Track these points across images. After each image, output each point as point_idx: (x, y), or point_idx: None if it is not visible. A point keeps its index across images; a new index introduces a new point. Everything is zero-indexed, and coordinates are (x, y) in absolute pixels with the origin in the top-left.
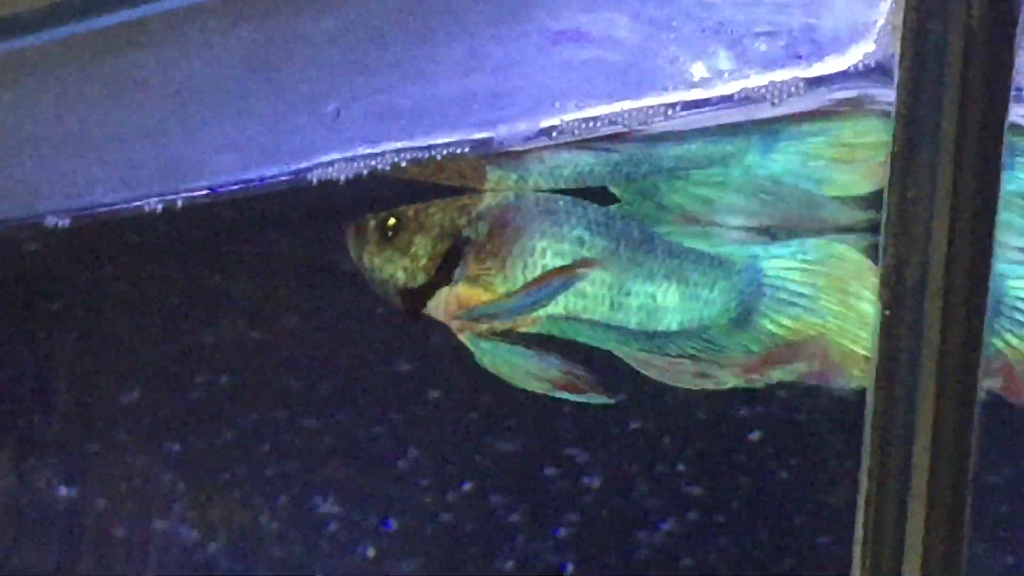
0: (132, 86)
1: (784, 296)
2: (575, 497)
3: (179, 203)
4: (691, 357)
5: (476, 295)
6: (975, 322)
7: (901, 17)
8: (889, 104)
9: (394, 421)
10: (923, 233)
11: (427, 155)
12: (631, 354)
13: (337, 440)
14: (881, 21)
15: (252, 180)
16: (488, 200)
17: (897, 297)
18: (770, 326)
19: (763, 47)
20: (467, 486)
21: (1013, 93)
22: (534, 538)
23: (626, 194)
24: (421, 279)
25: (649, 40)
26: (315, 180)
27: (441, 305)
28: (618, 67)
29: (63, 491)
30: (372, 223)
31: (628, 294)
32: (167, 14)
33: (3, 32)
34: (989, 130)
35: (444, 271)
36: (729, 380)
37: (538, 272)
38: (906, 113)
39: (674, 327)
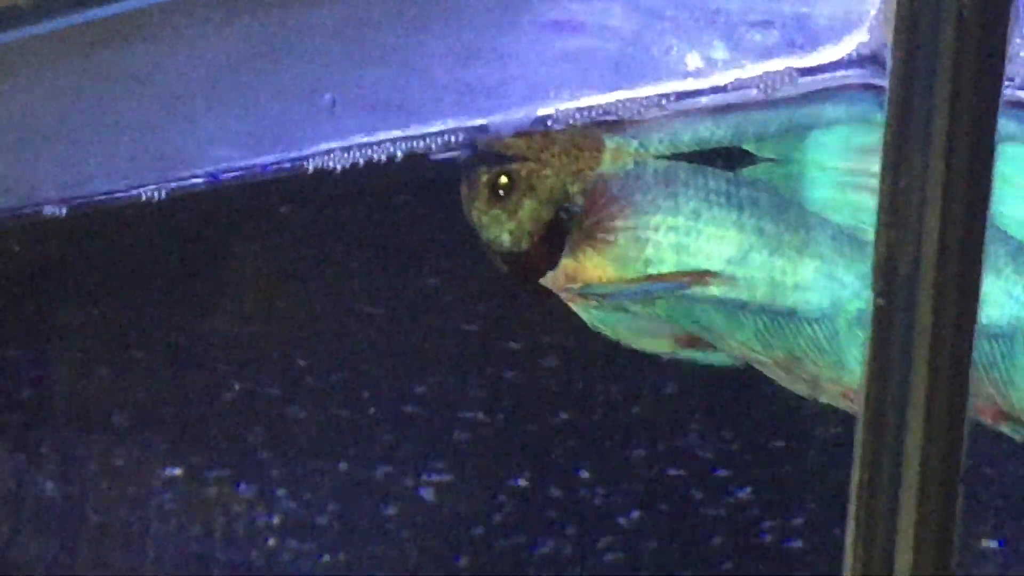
0: (129, 77)
1: None
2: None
3: (177, 192)
4: (804, 352)
5: (585, 269)
6: (968, 310)
7: (894, 6)
8: (882, 93)
9: (396, 408)
10: (916, 221)
11: (423, 145)
12: (745, 343)
13: (335, 432)
14: (874, 11)
15: (249, 168)
16: (604, 168)
17: (890, 285)
18: None
19: (757, 36)
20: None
21: (1005, 82)
22: None
23: (767, 152)
24: (525, 245)
25: (644, 29)
26: (312, 169)
27: (550, 279)
28: (613, 56)
29: (60, 481)
30: (484, 178)
31: (752, 266)
32: (163, 5)
33: (0, 24)
34: (982, 119)
35: (550, 240)
36: (835, 401)
37: (649, 249)
38: (899, 102)
39: (800, 306)
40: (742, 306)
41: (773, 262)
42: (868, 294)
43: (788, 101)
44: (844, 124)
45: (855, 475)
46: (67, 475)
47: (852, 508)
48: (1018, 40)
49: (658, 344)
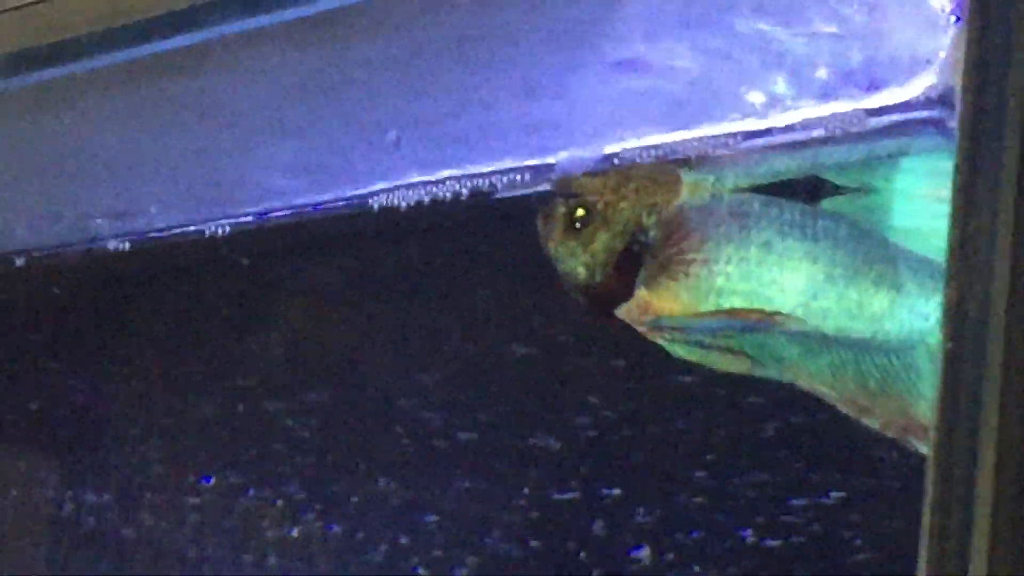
0: (191, 110)
1: None
2: None
3: (238, 226)
4: (878, 384)
5: (660, 302)
6: None
7: (962, 50)
8: (951, 136)
9: (459, 443)
10: (986, 266)
11: (487, 183)
12: (816, 375)
13: (397, 461)
14: (943, 54)
15: (311, 205)
16: (680, 202)
17: (960, 330)
18: None
19: (824, 77)
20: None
21: None
22: None
23: (849, 181)
24: (599, 277)
25: (710, 70)
26: (376, 206)
27: (625, 311)
28: (678, 96)
29: (106, 506)
30: (561, 211)
31: (825, 297)
32: (226, 38)
33: (62, 55)
34: None
35: (625, 271)
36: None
37: (719, 279)
38: (968, 145)
39: (878, 337)
40: (815, 337)
41: (848, 293)
42: None
43: (867, 135)
44: (929, 152)
45: (925, 518)
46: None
47: (922, 554)
48: None
49: (739, 365)
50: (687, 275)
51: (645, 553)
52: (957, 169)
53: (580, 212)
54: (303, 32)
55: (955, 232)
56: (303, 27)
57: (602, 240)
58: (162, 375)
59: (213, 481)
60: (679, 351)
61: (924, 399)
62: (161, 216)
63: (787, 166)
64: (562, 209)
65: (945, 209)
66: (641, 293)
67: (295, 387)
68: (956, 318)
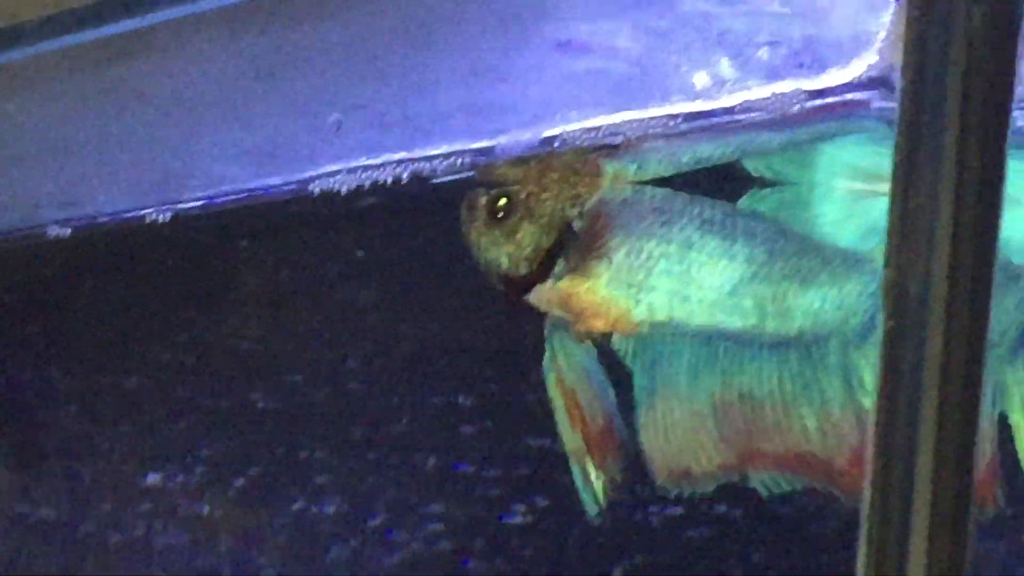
0: (134, 96)
1: None
2: None
3: (181, 212)
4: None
5: (579, 293)
6: (978, 332)
7: (903, 28)
8: (892, 115)
9: (396, 427)
10: (926, 243)
11: (428, 166)
12: (736, 379)
13: (339, 445)
14: (883, 32)
15: (253, 190)
16: (602, 194)
17: (900, 308)
18: None
19: (765, 57)
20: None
21: (1015, 102)
22: None
23: (769, 171)
24: (523, 269)
25: (651, 50)
26: (316, 191)
27: (543, 296)
28: (620, 77)
29: (62, 499)
30: (483, 199)
31: (742, 296)
32: (168, 24)
33: (4, 42)
34: (991, 140)
35: (548, 264)
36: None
37: (644, 279)
38: (908, 124)
39: (792, 333)
40: (732, 334)
41: (763, 291)
42: (864, 313)
43: (790, 121)
44: (851, 143)
45: (866, 496)
46: (67, 491)
47: (863, 530)
48: None
49: (563, 408)
50: (608, 269)
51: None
52: (897, 147)
53: (503, 202)
54: (246, 16)
55: (895, 210)
56: (246, 11)
57: (528, 233)
58: (104, 363)
59: (157, 473)
60: (557, 359)
61: (835, 398)
62: (105, 202)
63: (708, 154)
64: (484, 198)
65: (859, 201)
66: (562, 283)
67: (237, 373)
68: (896, 296)
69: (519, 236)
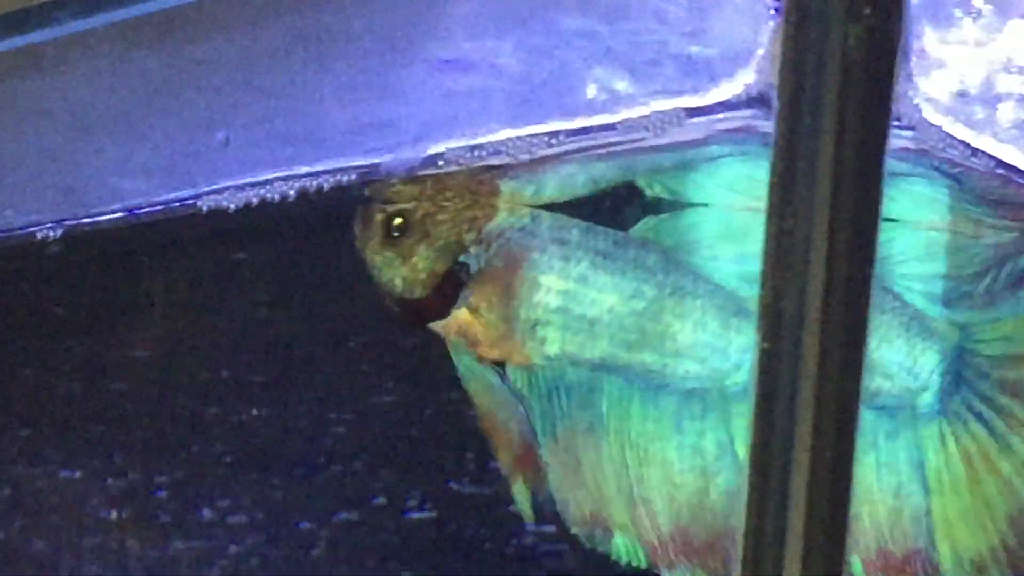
0: (23, 112)
1: None
2: None
3: (73, 230)
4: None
5: (477, 324)
6: (855, 351)
7: (779, 47)
8: (768, 137)
9: (293, 442)
10: (801, 264)
11: (315, 183)
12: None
13: (238, 457)
14: (761, 51)
15: (144, 207)
16: (500, 219)
17: (775, 328)
18: None
19: (646, 76)
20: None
21: (893, 122)
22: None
23: (660, 190)
24: (419, 293)
25: (533, 68)
26: (205, 208)
27: (441, 327)
28: (503, 95)
29: None
30: (379, 217)
31: (633, 330)
32: (59, 40)
33: None
34: (868, 160)
35: (445, 292)
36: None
37: (539, 313)
38: (784, 143)
39: (678, 376)
40: (624, 370)
41: (652, 328)
42: (746, 369)
43: (687, 135)
44: (735, 161)
45: (743, 517)
46: None
47: (738, 550)
48: (906, 80)
49: (487, 420)
50: (508, 304)
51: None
52: (772, 167)
53: (398, 221)
54: (138, 33)
55: (770, 231)
56: (138, 28)
57: (423, 257)
58: None
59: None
60: (468, 379)
61: (712, 448)
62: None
63: (603, 175)
64: (380, 216)
65: (747, 218)
66: (461, 314)
67: (128, 390)
68: (771, 318)
69: (414, 259)
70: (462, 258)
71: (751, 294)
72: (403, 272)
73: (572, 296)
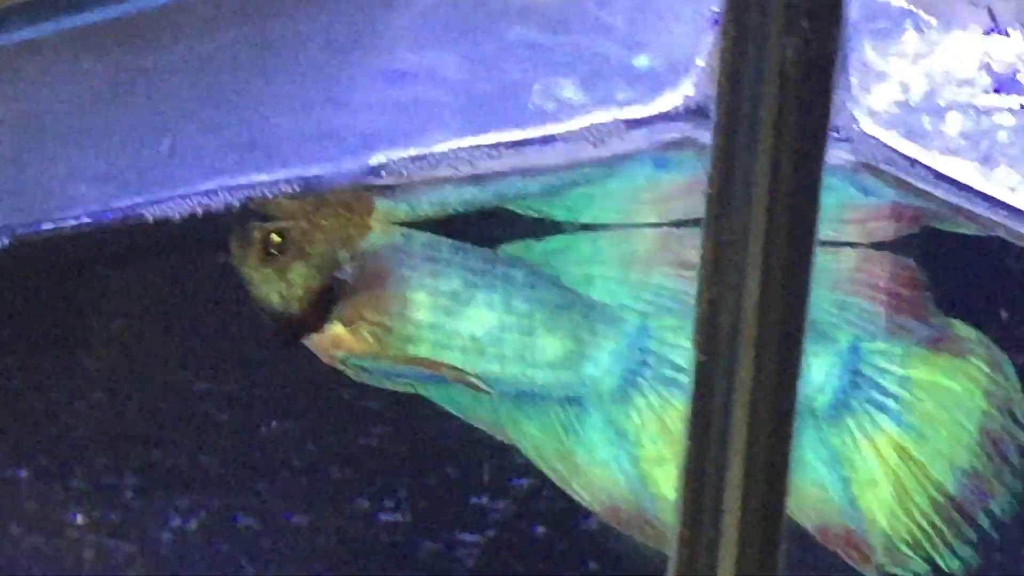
0: None
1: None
2: None
3: (18, 238)
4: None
5: (349, 341)
6: (790, 363)
7: (718, 58)
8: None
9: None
10: (737, 277)
11: (259, 193)
12: (494, 428)
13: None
14: (701, 62)
15: (90, 216)
16: (373, 236)
17: (711, 341)
18: (654, 406)
19: (587, 87)
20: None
21: (831, 134)
22: None
23: (531, 211)
24: (295, 309)
25: (476, 80)
26: (151, 217)
27: (314, 342)
28: (446, 106)
29: None
30: (257, 234)
31: (502, 344)
32: (9, 47)
33: None
34: (805, 171)
35: (319, 307)
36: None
37: (410, 329)
38: (721, 155)
39: (551, 386)
40: (493, 380)
41: (523, 341)
42: (620, 374)
43: (625, 147)
44: (609, 183)
45: (676, 529)
46: None
47: (671, 563)
48: (844, 91)
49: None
50: (380, 319)
51: None
52: (709, 179)
53: (275, 238)
54: (86, 41)
55: (707, 244)
56: (86, 35)
57: (298, 273)
58: None
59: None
60: (363, 378)
61: (589, 453)
62: None
63: (475, 196)
64: (257, 233)
65: (617, 249)
66: (335, 330)
67: (70, 401)
68: (707, 331)
69: (291, 276)
70: (337, 274)
71: (623, 305)
72: (280, 288)
73: (444, 312)
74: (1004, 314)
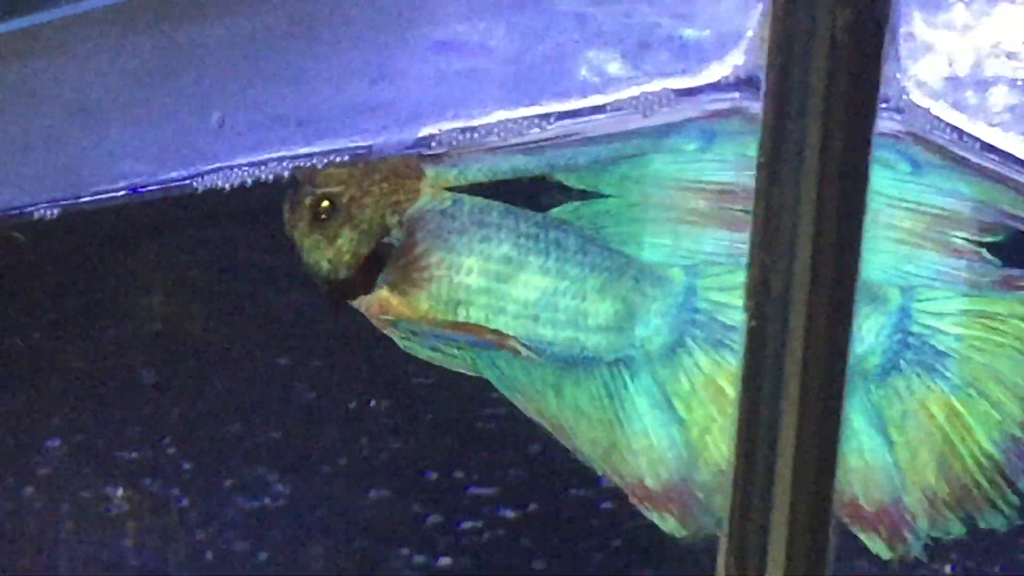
0: (21, 95)
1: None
2: None
3: (69, 210)
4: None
5: (398, 305)
6: (841, 330)
7: (768, 28)
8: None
9: (290, 420)
10: (789, 243)
11: (309, 164)
12: (536, 397)
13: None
14: (750, 32)
15: (140, 188)
16: (422, 201)
17: (763, 307)
18: (703, 367)
19: (636, 58)
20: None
21: (881, 104)
22: None
23: (579, 183)
24: (343, 274)
25: (525, 51)
26: (200, 189)
27: (363, 304)
28: (495, 77)
29: None
30: (307, 200)
31: (555, 309)
32: (56, 22)
33: None
34: (855, 140)
35: (368, 271)
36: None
37: (461, 293)
38: (772, 124)
39: (601, 349)
40: (543, 348)
41: (575, 305)
42: (669, 333)
43: (677, 116)
44: (654, 158)
45: (729, 494)
46: None
47: (725, 522)
48: (893, 61)
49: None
50: (429, 283)
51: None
52: (761, 147)
53: (325, 204)
54: (132, 16)
55: (759, 210)
56: (132, 10)
57: (347, 238)
58: None
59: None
60: (413, 348)
61: (632, 418)
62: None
63: (524, 165)
64: (308, 200)
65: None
66: (383, 293)
67: (123, 371)
68: (758, 296)
69: (339, 242)
70: (385, 239)
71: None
72: (328, 254)
73: (495, 277)
74: None
